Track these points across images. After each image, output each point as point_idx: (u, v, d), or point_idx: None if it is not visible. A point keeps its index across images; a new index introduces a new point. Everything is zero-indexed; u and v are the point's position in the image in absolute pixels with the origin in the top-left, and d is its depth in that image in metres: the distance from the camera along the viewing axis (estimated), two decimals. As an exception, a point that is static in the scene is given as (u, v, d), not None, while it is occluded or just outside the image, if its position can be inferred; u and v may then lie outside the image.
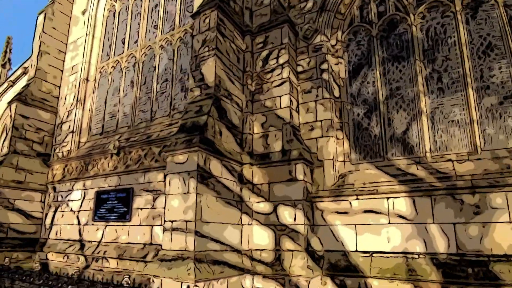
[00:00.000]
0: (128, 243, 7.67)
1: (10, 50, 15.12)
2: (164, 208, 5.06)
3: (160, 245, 6.83)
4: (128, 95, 9.44)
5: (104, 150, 8.76)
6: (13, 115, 9.70)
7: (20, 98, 9.83)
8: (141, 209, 7.63)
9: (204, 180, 4.96)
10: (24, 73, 12.72)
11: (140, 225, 7.56)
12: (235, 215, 5.67)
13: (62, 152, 10.04)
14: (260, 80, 6.33)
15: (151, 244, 7.25)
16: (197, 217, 4.68)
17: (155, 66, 9.00)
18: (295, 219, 5.32)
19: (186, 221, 4.74)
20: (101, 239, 8.27)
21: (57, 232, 9.46)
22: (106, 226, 8.28)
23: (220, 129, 5.50)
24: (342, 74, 6.30)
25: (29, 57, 12.49)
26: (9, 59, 14.83)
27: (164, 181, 6.94)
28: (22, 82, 12.80)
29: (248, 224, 5.76)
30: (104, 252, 7.93)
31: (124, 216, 7.87)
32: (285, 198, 5.48)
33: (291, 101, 5.90)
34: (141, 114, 8.98)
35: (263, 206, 5.69)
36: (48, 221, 9.83)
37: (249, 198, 5.84)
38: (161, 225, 7.17)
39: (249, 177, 5.92)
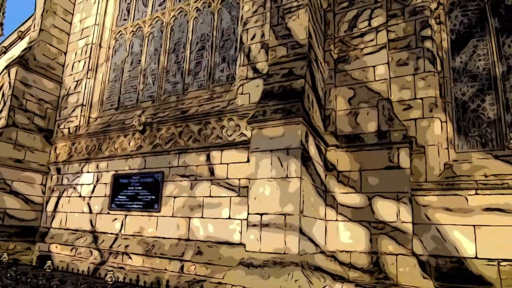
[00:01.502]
0: (156, 237, 6.42)
1: (3, 13, 13.31)
2: (247, 196, 3.86)
3: (202, 241, 5.66)
4: (152, 64, 8.08)
5: (124, 127, 7.42)
6: (12, 82, 8.19)
7: (21, 61, 8.31)
8: (175, 197, 6.39)
9: (305, 162, 3.79)
10: (20, 37, 11.08)
11: (173, 216, 6.33)
12: (321, 208, 4.54)
13: (69, 129, 8.60)
14: (345, 46, 5.18)
15: (188, 240, 6.03)
16: (300, 209, 3.52)
17: (188, 32, 7.67)
18: (398, 215, 4.24)
19: (285, 215, 3.58)
20: (120, 231, 6.98)
21: (61, 220, 8.08)
22: (126, 216, 6.99)
23: (312, 99, 4.33)
24: (444, 44, 5.21)
25: (28, 19, 10.88)
26: (1, 24, 13.04)
27: (248, 161, 5.69)
28: (18, 48, 11.16)
29: (334, 220, 4.64)
30: (126, 247, 6.65)
31: (152, 205, 6.61)
32: (383, 189, 4.39)
33: (389, 72, 4.77)
34: (169, 87, 7.67)
35: (352, 199, 4.58)
36: (50, 207, 8.42)
37: (334, 188, 4.71)
38: (202, 217, 5.96)
39: (334, 162, 4.78)
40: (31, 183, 8.36)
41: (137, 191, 6.89)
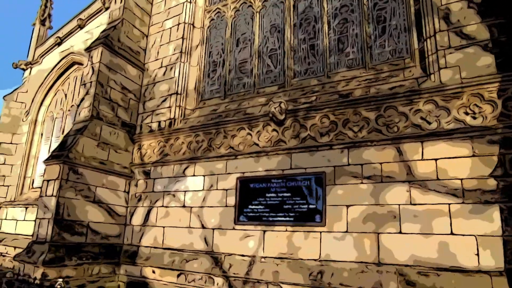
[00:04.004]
0: (322, 260, 4.79)
1: (51, 4, 11.72)
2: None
3: (405, 265, 4.09)
4: (269, 44, 6.58)
5: (249, 117, 5.85)
6: (97, 65, 6.57)
7: (106, 42, 6.72)
8: (348, 206, 4.80)
9: None
10: (80, 26, 9.48)
11: (347, 232, 4.72)
12: None
13: (159, 122, 6.97)
14: None
15: (379, 264, 4.42)
16: None
17: (323, 1, 6.21)
18: None
19: None
20: (256, 252, 5.32)
21: (156, 237, 6.38)
22: (264, 232, 5.35)
23: None
24: None
25: (88, 6, 9.34)
26: (49, 15, 11.44)
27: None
28: (77, 38, 9.57)
29: None
30: (274, 274, 4.99)
31: (310, 217, 5.00)
32: None
33: None
34: (299, 68, 6.15)
35: None
36: (137, 220, 6.71)
37: None
38: (399, 232, 4.38)
39: None
40: (115, 189, 6.67)
41: (282, 199, 5.28)
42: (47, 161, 6.04)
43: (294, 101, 5.68)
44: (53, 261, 5.42)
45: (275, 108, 5.43)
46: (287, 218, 5.19)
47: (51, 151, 9.59)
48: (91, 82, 6.50)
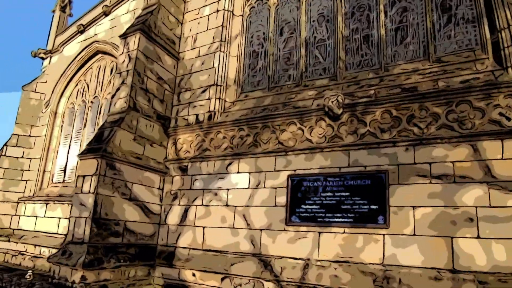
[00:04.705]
0: (386, 265, 4.46)
1: None
2: None
3: (485, 273, 3.76)
4: (317, 34, 6.23)
5: (302, 111, 5.50)
6: (134, 53, 6.21)
7: (143, 28, 6.35)
8: (414, 207, 4.46)
9: None
10: (105, 13, 9.08)
11: (414, 234, 4.39)
12: None
13: (196, 115, 6.61)
14: None
15: (454, 271, 4.09)
16: None
17: (377, -11, 5.84)
18: None
19: None
20: (311, 255, 4.98)
21: (195, 237, 6.04)
22: (320, 233, 5.02)
23: None
24: None
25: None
26: (69, 1, 11.00)
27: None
28: (101, 27, 9.18)
29: None
30: (334, 278, 4.66)
31: (372, 219, 4.66)
32: None
33: None
34: (352, 60, 5.79)
35: None
36: (173, 219, 6.37)
37: None
38: (477, 237, 4.05)
39: None
40: (150, 186, 6.32)
41: (340, 199, 4.94)
42: (82, 155, 5.69)
43: (349, 95, 5.32)
44: (92, 264, 5.08)
45: (332, 102, 5.07)
46: (345, 219, 4.85)
47: (72, 144, 9.24)
48: (127, 71, 6.13)
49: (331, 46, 5.97)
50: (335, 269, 4.75)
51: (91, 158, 5.53)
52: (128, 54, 6.22)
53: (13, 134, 9.64)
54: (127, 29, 6.53)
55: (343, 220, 4.86)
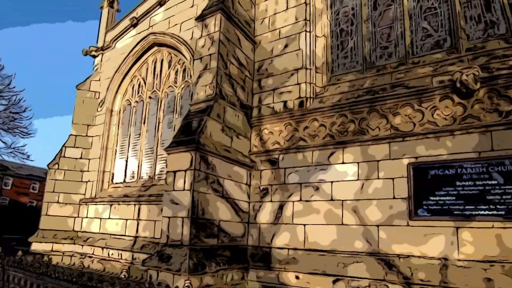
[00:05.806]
0: (557, 264, 3.68)
1: None
2: None
3: None
4: (424, 1, 5.47)
5: (418, 91, 4.79)
6: (217, 35, 5.64)
7: (223, 8, 5.77)
8: None
9: None
10: (160, 3, 8.59)
11: None
12: None
13: (284, 103, 5.99)
14: None
15: None
16: None
17: None
18: None
19: None
20: (449, 254, 4.27)
21: (294, 236, 5.43)
22: (457, 228, 4.30)
23: None
24: None
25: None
26: (117, -6, 10.63)
27: None
28: (155, 18, 8.71)
29: None
30: (486, 282, 3.93)
31: (532, 210, 3.89)
32: None
33: None
34: (472, 29, 5.03)
35: None
36: (265, 217, 5.78)
37: None
38: None
39: None
40: (239, 182, 5.75)
41: (484, 188, 4.22)
42: (171, 149, 5.17)
43: (482, 67, 4.56)
44: (196, 268, 4.55)
45: (467, 76, 4.33)
46: (494, 212, 4.12)
47: (130, 143, 8.81)
48: (210, 55, 5.58)
49: (445, 15, 5.22)
50: (485, 270, 4.03)
51: (183, 152, 5.00)
52: (209, 37, 5.67)
53: (70, 135, 9.30)
54: (204, 10, 5.98)
55: (490, 212, 4.14)
